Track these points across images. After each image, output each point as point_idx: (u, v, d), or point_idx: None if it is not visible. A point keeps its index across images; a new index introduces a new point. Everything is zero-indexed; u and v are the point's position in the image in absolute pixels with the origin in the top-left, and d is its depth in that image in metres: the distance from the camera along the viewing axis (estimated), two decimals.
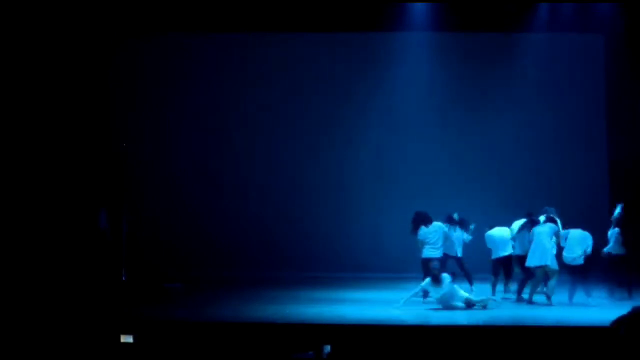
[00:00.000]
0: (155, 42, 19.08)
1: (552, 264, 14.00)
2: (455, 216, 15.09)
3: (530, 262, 14.08)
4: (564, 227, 14.47)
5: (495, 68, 18.66)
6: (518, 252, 14.66)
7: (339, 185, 18.93)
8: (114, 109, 19.00)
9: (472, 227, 15.20)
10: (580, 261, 14.23)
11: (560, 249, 14.44)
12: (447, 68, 18.78)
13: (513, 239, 14.80)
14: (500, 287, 15.14)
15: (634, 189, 17.95)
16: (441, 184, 18.55)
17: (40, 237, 17.22)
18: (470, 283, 14.77)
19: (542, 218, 14.49)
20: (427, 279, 13.58)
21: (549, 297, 14.05)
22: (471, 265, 14.99)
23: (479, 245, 15.18)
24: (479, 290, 14.62)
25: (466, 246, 15.10)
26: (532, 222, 14.45)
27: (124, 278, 16.26)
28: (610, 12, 17.92)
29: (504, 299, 14.74)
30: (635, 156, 18.03)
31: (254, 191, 19.17)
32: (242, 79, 19.25)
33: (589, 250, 14.22)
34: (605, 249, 14.79)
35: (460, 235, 15.00)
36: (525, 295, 14.30)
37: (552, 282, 14.01)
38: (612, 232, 14.83)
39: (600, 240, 14.71)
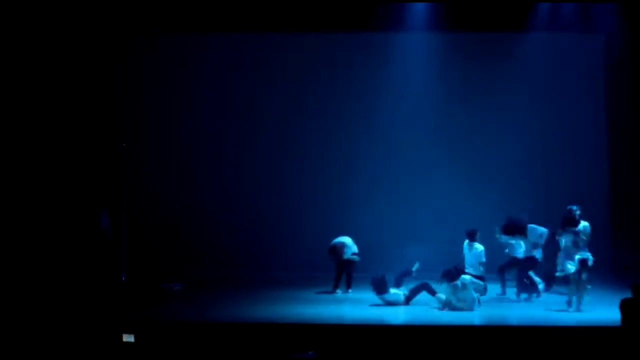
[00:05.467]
0: (160, 43, 19.04)
1: None
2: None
3: None
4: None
5: (495, 68, 18.62)
6: None
7: (339, 185, 18.91)
8: (116, 109, 18.99)
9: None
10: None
11: None
12: (447, 68, 18.74)
13: None
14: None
15: (635, 188, 17.96)
16: (442, 184, 18.53)
17: (41, 237, 17.21)
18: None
19: None
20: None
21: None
22: None
23: None
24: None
25: None
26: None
27: (123, 278, 16.24)
28: (610, 12, 17.89)
29: None
30: (636, 156, 18.02)
31: (255, 191, 19.15)
32: (243, 81, 19.22)
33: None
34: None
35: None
36: None
37: None
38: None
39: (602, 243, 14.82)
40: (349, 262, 16.01)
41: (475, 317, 13.26)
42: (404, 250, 16.02)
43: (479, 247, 14.92)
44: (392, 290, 14.40)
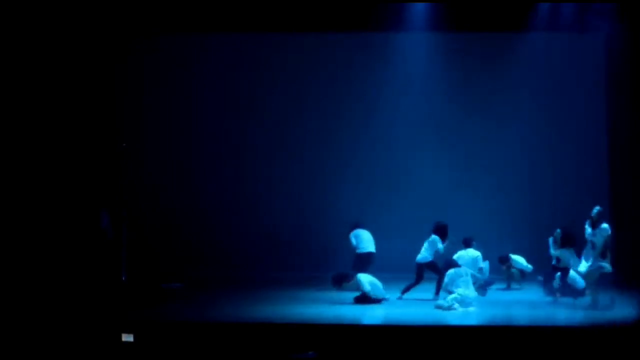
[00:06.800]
0: (160, 43, 19.04)
1: None
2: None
3: None
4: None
5: (495, 68, 18.63)
6: None
7: (339, 185, 18.93)
8: (116, 109, 18.99)
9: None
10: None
11: None
12: (447, 68, 18.76)
13: None
14: None
15: (634, 189, 17.94)
16: (441, 183, 18.54)
17: (41, 237, 17.21)
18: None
19: None
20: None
21: None
22: None
23: None
24: None
25: None
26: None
27: (123, 278, 16.26)
28: (610, 12, 17.88)
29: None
30: (636, 156, 18.00)
31: (254, 191, 19.17)
32: (243, 81, 19.24)
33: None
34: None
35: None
36: None
37: None
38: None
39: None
40: (358, 257, 15.88)
41: (475, 317, 13.26)
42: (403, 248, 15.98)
43: (474, 253, 14.99)
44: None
